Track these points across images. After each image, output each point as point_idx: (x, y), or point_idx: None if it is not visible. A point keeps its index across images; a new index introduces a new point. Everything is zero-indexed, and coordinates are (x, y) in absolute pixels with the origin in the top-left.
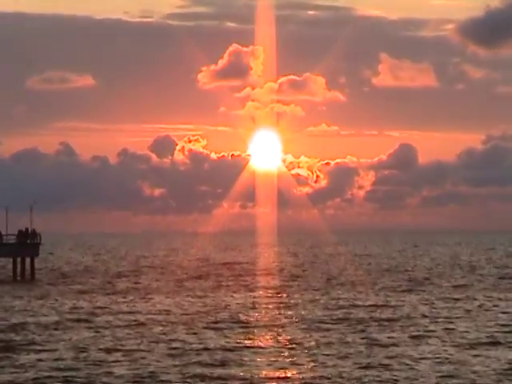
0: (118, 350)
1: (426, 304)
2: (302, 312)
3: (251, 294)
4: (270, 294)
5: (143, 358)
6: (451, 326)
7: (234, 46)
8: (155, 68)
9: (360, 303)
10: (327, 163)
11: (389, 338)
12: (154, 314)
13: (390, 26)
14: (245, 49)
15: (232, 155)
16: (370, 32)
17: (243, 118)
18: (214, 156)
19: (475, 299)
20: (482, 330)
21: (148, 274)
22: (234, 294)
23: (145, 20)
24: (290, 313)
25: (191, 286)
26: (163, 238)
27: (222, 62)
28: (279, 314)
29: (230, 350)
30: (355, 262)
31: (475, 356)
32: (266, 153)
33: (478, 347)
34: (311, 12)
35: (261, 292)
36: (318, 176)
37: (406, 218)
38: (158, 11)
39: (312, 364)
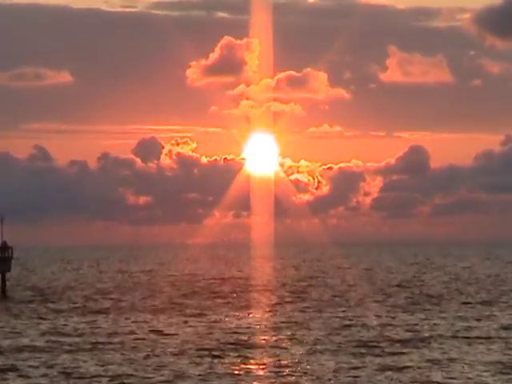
0: (103, 376)
1: (444, 323)
2: (307, 332)
3: (251, 312)
4: (271, 313)
5: None
6: (472, 348)
7: (227, 39)
8: (139, 63)
9: (370, 322)
10: (330, 168)
11: (404, 361)
12: (143, 335)
13: (399, 15)
14: (238, 42)
15: (224, 159)
16: (376, 23)
17: (237, 118)
18: (204, 160)
19: (499, 318)
20: (507, 353)
21: (135, 290)
22: (232, 313)
23: (127, 10)
24: (294, 334)
25: (184, 305)
26: (149, 250)
27: (212, 57)
28: (282, 335)
29: (228, 375)
30: (363, 277)
31: (500, 381)
32: (262, 156)
33: (503, 371)
34: (311, 1)
35: (261, 310)
36: (319, 182)
37: (417, 227)
38: (142, 0)
39: None
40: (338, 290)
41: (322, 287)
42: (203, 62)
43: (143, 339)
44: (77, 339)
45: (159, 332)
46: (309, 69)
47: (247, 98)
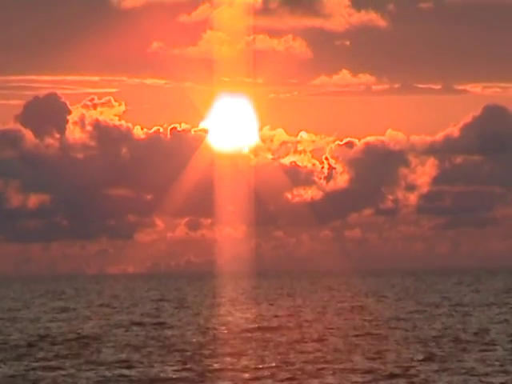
0: None
1: None
2: None
3: None
4: None
5: None
6: None
7: None
8: None
9: None
10: (349, 143)
11: None
12: None
13: None
14: None
15: (173, 130)
16: None
17: (195, 63)
18: (138, 132)
19: None
20: None
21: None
22: None
23: None
24: None
25: None
26: (42, 283)
27: None
28: None
29: None
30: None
31: None
32: (235, 126)
33: None
34: None
35: None
36: (331, 167)
37: (498, 244)
38: None
39: None
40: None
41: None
42: None
43: None
44: None
45: None
46: None
47: (212, 28)
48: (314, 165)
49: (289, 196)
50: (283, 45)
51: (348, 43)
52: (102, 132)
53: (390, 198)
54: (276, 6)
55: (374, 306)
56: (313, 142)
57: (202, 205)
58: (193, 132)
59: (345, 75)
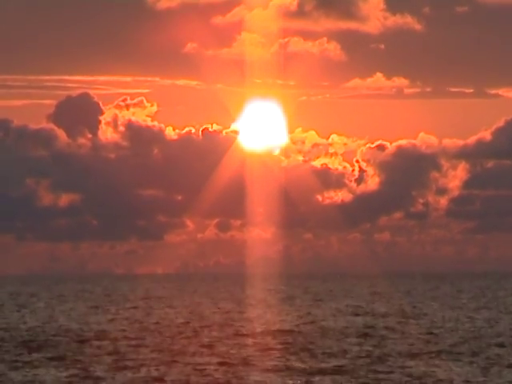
0: None
1: None
2: None
3: None
4: None
5: None
6: None
7: None
8: None
9: None
10: (381, 147)
11: None
12: None
13: None
14: None
15: (204, 131)
16: None
17: (228, 65)
18: (170, 133)
19: None
20: None
21: None
22: None
23: None
24: None
25: None
26: (72, 283)
27: None
28: None
29: None
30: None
31: None
32: (266, 128)
33: None
34: None
35: None
36: (362, 170)
37: None
38: None
39: None
40: None
41: None
42: None
43: None
44: None
45: None
46: None
47: (246, 30)
48: (344, 167)
49: (319, 198)
50: (317, 47)
51: (383, 46)
52: (134, 132)
53: (421, 201)
54: (311, 8)
55: None
56: (344, 144)
57: (232, 206)
58: (224, 133)
59: (379, 78)
